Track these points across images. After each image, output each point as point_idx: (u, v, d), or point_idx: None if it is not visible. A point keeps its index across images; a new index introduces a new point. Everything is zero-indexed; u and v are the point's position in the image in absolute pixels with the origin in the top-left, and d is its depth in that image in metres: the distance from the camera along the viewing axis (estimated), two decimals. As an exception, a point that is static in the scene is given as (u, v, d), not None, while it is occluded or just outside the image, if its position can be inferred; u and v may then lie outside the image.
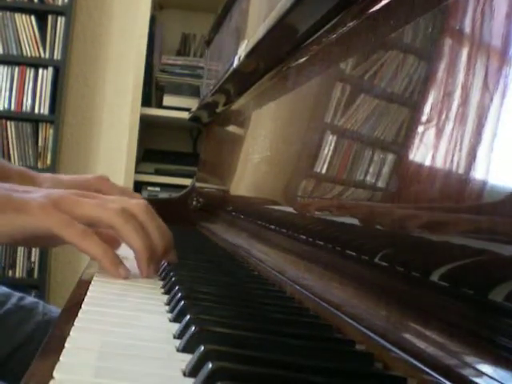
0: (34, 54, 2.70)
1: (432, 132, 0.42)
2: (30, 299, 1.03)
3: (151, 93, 2.62)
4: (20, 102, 2.71)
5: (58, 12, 2.70)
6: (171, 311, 0.54)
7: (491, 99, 0.36)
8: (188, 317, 0.47)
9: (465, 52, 0.41)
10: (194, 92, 2.53)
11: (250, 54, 0.95)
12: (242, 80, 1.12)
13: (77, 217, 0.66)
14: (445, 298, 0.38)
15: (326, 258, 0.61)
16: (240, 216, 1.06)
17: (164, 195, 2.43)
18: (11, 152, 2.71)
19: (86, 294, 0.57)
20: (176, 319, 0.51)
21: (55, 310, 1.03)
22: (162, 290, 0.65)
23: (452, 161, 0.39)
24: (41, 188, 0.76)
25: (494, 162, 0.35)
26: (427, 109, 0.44)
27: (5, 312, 0.97)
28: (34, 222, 0.65)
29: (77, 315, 0.49)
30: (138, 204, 0.70)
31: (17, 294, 1.02)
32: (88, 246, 0.65)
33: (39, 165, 2.71)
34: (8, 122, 2.70)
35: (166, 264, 0.77)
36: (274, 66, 0.94)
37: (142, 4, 2.55)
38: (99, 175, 1.00)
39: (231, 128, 1.33)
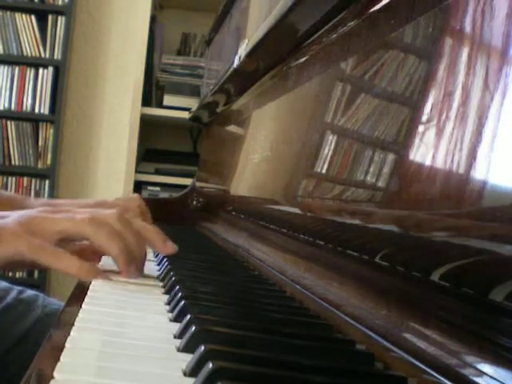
0: (34, 54, 2.70)
1: (432, 132, 0.42)
2: (29, 292, 1.03)
3: (151, 92, 2.62)
4: (20, 102, 2.71)
5: (58, 12, 2.70)
6: (171, 311, 0.54)
7: (491, 99, 0.36)
8: (188, 317, 0.47)
9: (465, 52, 0.41)
10: (195, 92, 2.53)
11: (251, 54, 0.95)
12: (242, 80, 1.12)
13: (49, 235, 0.67)
14: (445, 298, 0.38)
15: (326, 257, 0.61)
16: (240, 216, 1.06)
17: (164, 195, 2.43)
18: (11, 152, 2.70)
19: (86, 293, 0.57)
20: (176, 319, 0.51)
21: (55, 302, 1.03)
22: (162, 290, 0.65)
23: (452, 161, 0.39)
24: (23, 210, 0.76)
25: (494, 161, 0.35)
26: (427, 109, 0.44)
27: (4, 307, 0.97)
28: (5, 250, 0.65)
29: (77, 315, 0.49)
30: (109, 214, 0.70)
31: (16, 288, 1.02)
32: (62, 265, 0.66)
33: (39, 165, 2.71)
34: (8, 122, 2.70)
35: (166, 264, 0.77)
36: (275, 66, 0.94)
37: (142, 4, 2.55)
38: (100, 200, 1.00)
39: (231, 128, 1.33)
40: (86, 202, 0.99)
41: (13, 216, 0.69)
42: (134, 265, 0.69)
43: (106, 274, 0.67)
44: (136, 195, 1.06)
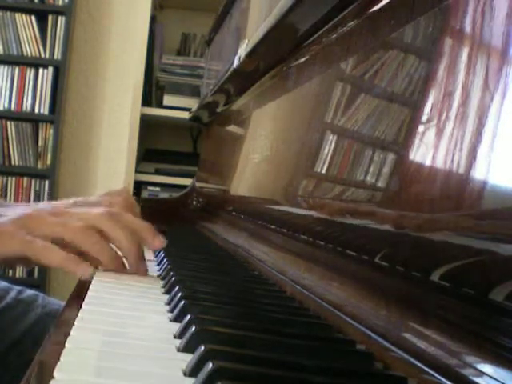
0: (34, 54, 2.70)
1: (432, 132, 0.42)
2: (29, 292, 1.02)
3: (151, 92, 2.62)
4: (20, 102, 2.71)
5: (58, 12, 2.70)
6: (171, 311, 0.54)
7: (491, 99, 0.36)
8: (188, 317, 0.47)
9: (465, 52, 0.41)
10: (194, 92, 2.53)
11: (251, 54, 0.95)
12: (242, 80, 1.12)
13: (38, 236, 0.67)
14: (445, 298, 0.38)
15: (326, 257, 0.61)
16: (240, 216, 1.06)
17: (164, 195, 2.43)
18: (11, 152, 2.70)
19: (86, 293, 0.57)
20: (176, 319, 0.51)
21: (55, 302, 1.03)
22: (162, 290, 0.65)
23: (452, 161, 0.39)
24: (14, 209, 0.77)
25: (494, 161, 0.35)
26: (427, 109, 0.44)
27: (3, 307, 0.97)
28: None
29: (77, 315, 0.49)
30: (100, 215, 0.71)
31: (16, 288, 1.02)
32: (49, 258, 0.66)
33: (39, 165, 2.71)
34: (8, 122, 2.70)
35: (166, 264, 0.77)
36: (274, 66, 0.94)
37: (142, 4, 2.55)
38: (81, 199, 0.97)
39: (231, 128, 1.33)
40: (66, 203, 0.91)
41: (8, 215, 0.70)
42: (133, 266, 0.70)
43: (90, 268, 0.67)
44: (124, 188, 1.02)
